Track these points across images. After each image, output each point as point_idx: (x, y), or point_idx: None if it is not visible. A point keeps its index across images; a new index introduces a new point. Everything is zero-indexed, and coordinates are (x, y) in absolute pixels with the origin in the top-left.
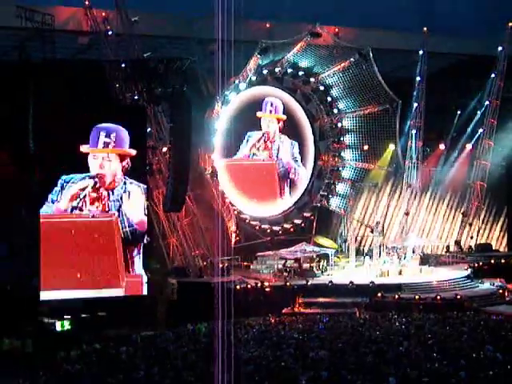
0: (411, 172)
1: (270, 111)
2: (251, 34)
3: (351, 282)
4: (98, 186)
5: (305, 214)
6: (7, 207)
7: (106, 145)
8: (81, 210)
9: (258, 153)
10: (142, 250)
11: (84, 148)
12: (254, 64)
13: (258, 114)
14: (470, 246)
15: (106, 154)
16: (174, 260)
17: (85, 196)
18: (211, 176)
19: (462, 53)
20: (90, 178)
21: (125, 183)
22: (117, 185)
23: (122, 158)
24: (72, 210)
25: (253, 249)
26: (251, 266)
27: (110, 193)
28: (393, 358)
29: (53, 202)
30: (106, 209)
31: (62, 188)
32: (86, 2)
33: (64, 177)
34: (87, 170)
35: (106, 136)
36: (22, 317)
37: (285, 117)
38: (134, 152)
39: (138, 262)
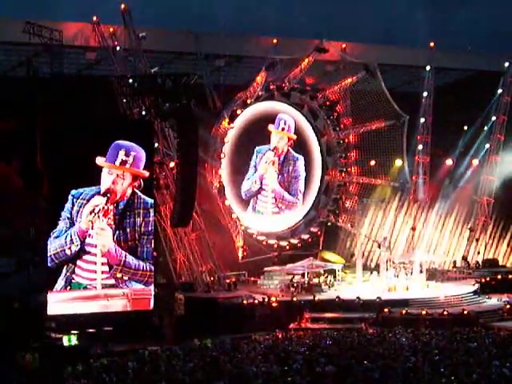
0: (418, 187)
1: (283, 129)
2: (258, 49)
3: (358, 298)
4: (108, 201)
5: (312, 229)
6: (15, 222)
7: (124, 163)
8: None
9: (269, 167)
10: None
11: (100, 161)
12: (261, 79)
13: (270, 127)
14: (477, 262)
15: (121, 171)
16: (181, 275)
17: (99, 211)
18: (218, 191)
19: (469, 68)
20: (101, 195)
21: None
22: (125, 199)
23: (134, 177)
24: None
25: (260, 264)
26: (258, 281)
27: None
28: (400, 373)
29: (69, 219)
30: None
31: (73, 204)
32: (94, 18)
33: (73, 192)
34: (95, 183)
35: (125, 154)
36: (29, 332)
37: (295, 136)
38: (147, 174)
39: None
